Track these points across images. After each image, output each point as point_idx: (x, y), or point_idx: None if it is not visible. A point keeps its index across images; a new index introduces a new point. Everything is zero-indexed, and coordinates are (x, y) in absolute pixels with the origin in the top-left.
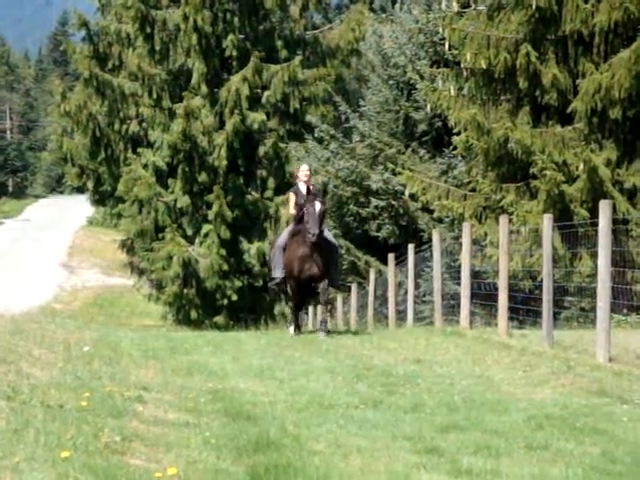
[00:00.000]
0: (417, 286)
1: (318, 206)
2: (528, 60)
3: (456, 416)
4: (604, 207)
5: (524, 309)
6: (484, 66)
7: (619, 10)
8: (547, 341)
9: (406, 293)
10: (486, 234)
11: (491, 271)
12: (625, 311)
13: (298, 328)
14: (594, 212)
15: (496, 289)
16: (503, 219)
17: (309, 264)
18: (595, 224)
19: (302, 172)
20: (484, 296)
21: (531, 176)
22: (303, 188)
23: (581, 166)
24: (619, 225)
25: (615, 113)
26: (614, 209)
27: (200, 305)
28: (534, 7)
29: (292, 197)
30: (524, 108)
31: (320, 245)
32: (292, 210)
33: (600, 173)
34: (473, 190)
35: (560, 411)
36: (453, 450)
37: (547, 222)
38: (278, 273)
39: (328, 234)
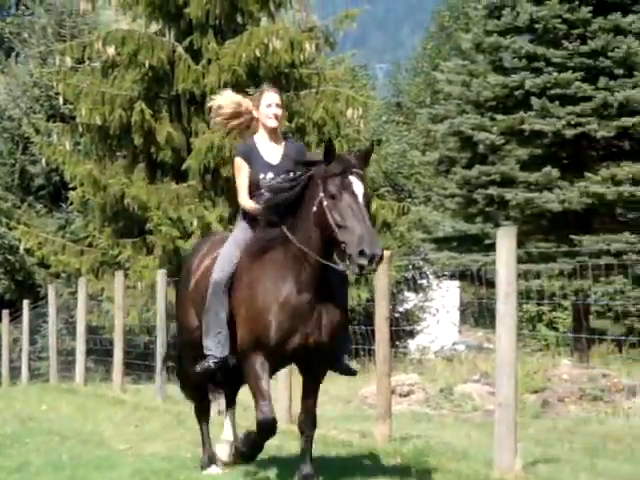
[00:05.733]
0: (34, 342)
1: (361, 189)
2: (143, 117)
3: (61, 475)
4: None
5: (141, 364)
6: (99, 122)
7: (228, 72)
8: (160, 395)
9: (22, 350)
10: (103, 289)
11: (108, 326)
12: None
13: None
14: None
15: (113, 344)
16: (119, 274)
17: (308, 321)
18: None
19: (266, 107)
20: (102, 352)
21: (147, 231)
22: (267, 146)
23: (195, 222)
24: None
25: (227, 171)
26: None
27: None
28: (147, 66)
29: (243, 168)
30: (140, 165)
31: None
32: (243, 197)
33: (213, 229)
34: (90, 245)
35: (166, 465)
36: None
37: (161, 277)
38: (218, 349)
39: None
